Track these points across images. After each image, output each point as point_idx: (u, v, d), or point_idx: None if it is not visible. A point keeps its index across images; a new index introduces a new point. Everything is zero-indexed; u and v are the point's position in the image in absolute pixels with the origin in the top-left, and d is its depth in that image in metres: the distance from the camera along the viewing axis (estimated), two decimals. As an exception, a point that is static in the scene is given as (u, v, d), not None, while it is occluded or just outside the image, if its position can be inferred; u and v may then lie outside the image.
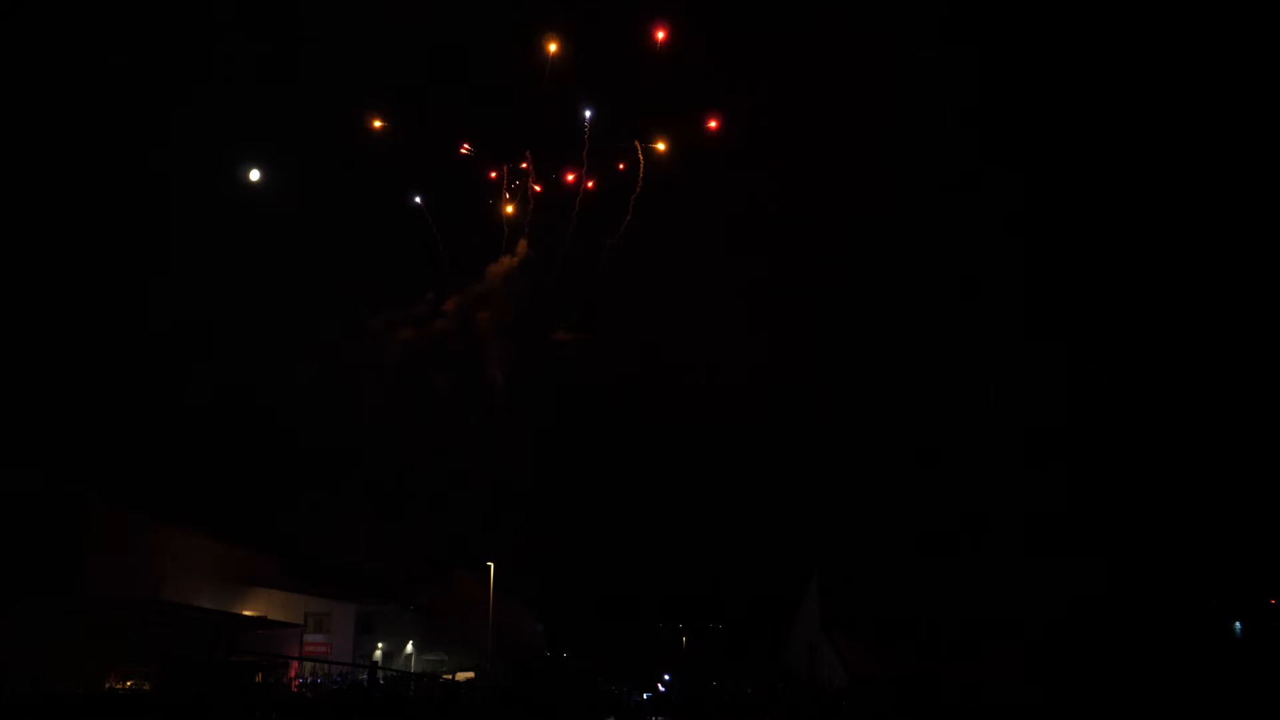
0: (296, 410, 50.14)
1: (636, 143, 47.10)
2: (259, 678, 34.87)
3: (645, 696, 43.66)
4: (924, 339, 57.77)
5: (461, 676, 43.15)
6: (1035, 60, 52.29)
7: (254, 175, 46.79)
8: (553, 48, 43.38)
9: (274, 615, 43.51)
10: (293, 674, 38.29)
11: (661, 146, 46.36)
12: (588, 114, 45.63)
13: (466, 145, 46.54)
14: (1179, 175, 50.95)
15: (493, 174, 48.44)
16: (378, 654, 49.11)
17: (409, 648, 52.73)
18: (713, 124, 45.66)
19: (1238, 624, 43.65)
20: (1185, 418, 50.08)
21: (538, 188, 49.23)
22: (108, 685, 31.18)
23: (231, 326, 49.91)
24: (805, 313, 58.31)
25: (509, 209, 50.02)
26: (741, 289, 56.86)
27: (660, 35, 42.82)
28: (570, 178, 48.37)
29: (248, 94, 47.31)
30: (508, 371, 53.72)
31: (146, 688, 31.04)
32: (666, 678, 52.85)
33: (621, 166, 47.89)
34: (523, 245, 52.14)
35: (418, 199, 49.13)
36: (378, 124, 44.88)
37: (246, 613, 42.91)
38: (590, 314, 54.77)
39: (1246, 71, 47.25)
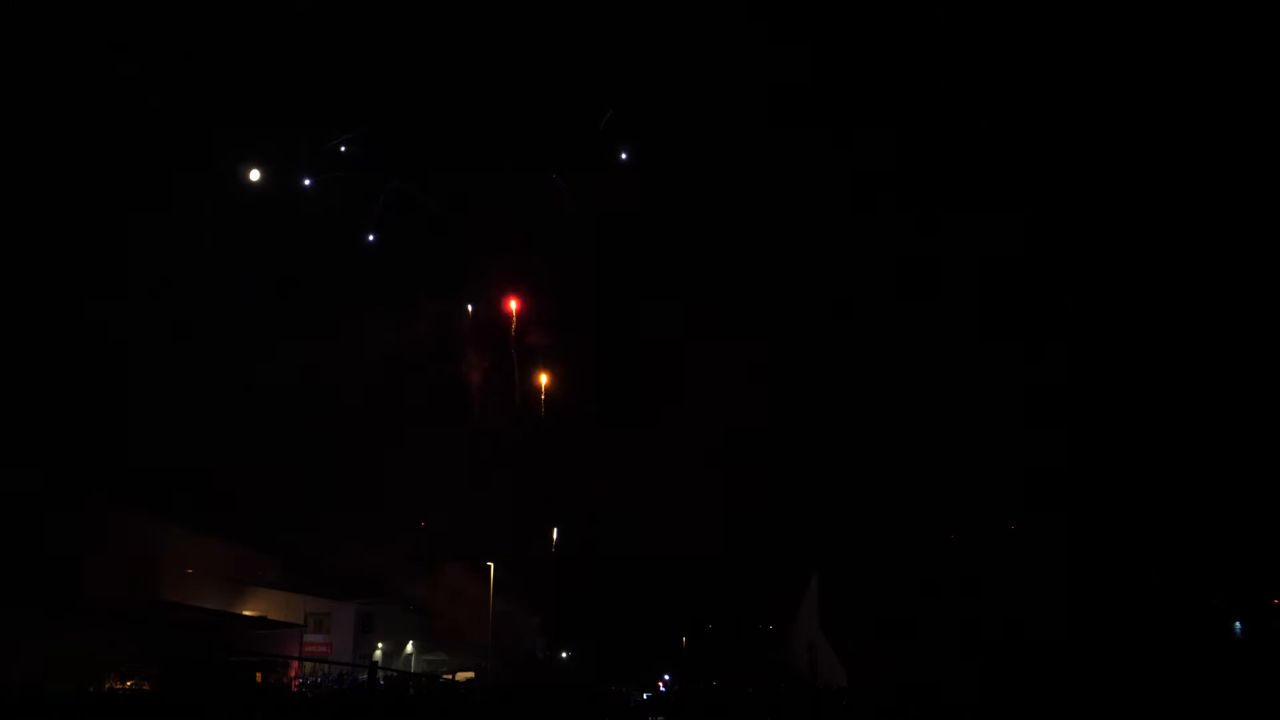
0: (295, 410, 50.13)
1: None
2: (259, 678, 34.86)
3: (645, 696, 43.68)
4: (923, 339, 57.78)
5: (461, 676, 43.15)
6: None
7: (254, 175, 46.80)
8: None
9: (274, 615, 43.54)
10: (293, 674, 38.29)
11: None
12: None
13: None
14: (1179, 175, 50.98)
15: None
16: (378, 654, 49.10)
17: (409, 648, 52.75)
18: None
19: (1238, 624, 43.70)
20: (1185, 419, 50.10)
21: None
22: (108, 685, 31.18)
23: (231, 326, 49.88)
24: (804, 313, 58.34)
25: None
26: (742, 289, 56.93)
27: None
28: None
29: (254, 95, 47.27)
30: (504, 375, 53.69)
31: (146, 688, 31.04)
32: (666, 678, 52.91)
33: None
34: None
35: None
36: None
37: (246, 613, 42.95)
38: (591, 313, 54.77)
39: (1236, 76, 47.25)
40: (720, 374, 56.16)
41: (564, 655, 65.79)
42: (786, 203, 55.37)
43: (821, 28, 49.65)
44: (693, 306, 55.31)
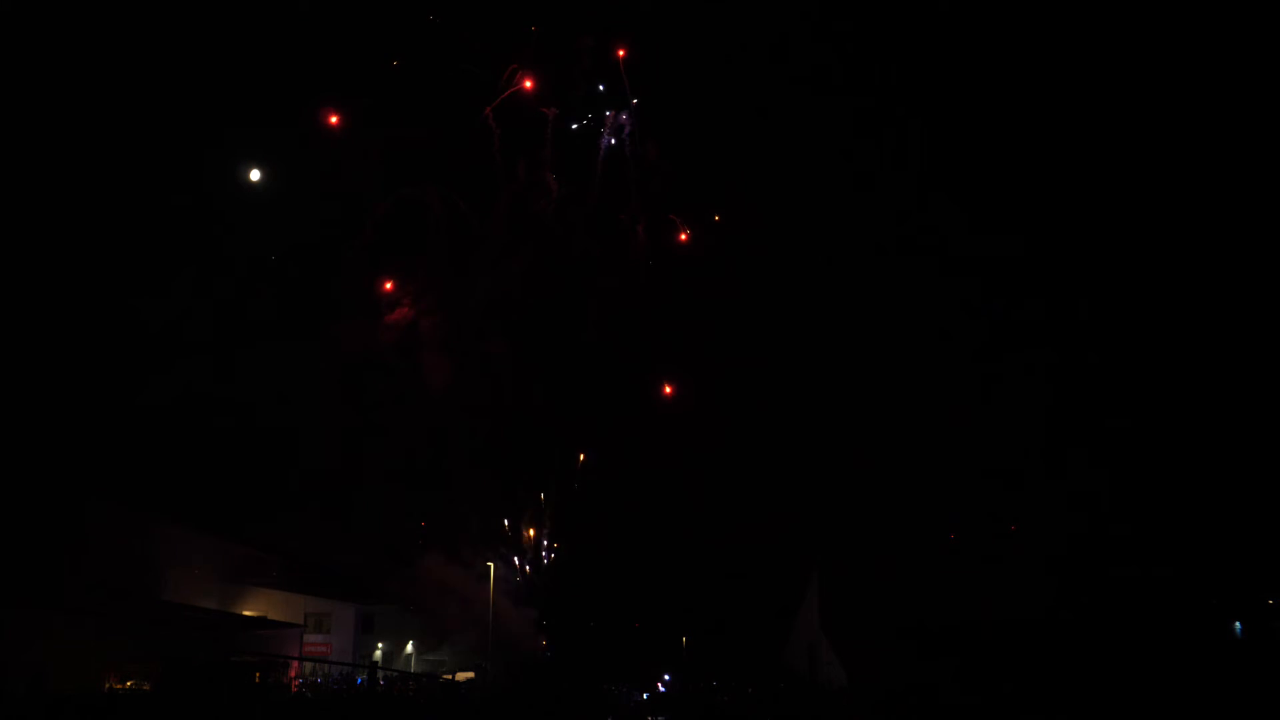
0: (295, 410, 50.12)
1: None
2: (257, 677, 34.84)
3: (645, 696, 43.71)
4: (923, 339, 57.78)
5: (461, 676, 43.13)
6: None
7: (254, 175, 46.80)
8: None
9: (274, 615, 43.49)
10: (293, 674, 38.26)
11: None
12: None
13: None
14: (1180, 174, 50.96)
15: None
16: (378, 654, 49.10)
17: (409, 648, 52.72)
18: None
19: (1238, 624, 43.73)
20: (1185, 419, 50.10)
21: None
22: (108, 685, 31.15)
23: (231, 326, 49.87)
24: (802, 312, 58.30)
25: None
26: (741, 289, 56.86)
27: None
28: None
29: (230, 87, 47.14)
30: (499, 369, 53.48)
31: (146, 688, 31.02)
32: (666, 678, 52.90)
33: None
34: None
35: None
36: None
37: (246, 613, 42.90)
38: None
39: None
40: (719, 373, 56.22)
41: (564, 655, 65.72)
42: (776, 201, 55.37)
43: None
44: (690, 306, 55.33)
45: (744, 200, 53.73)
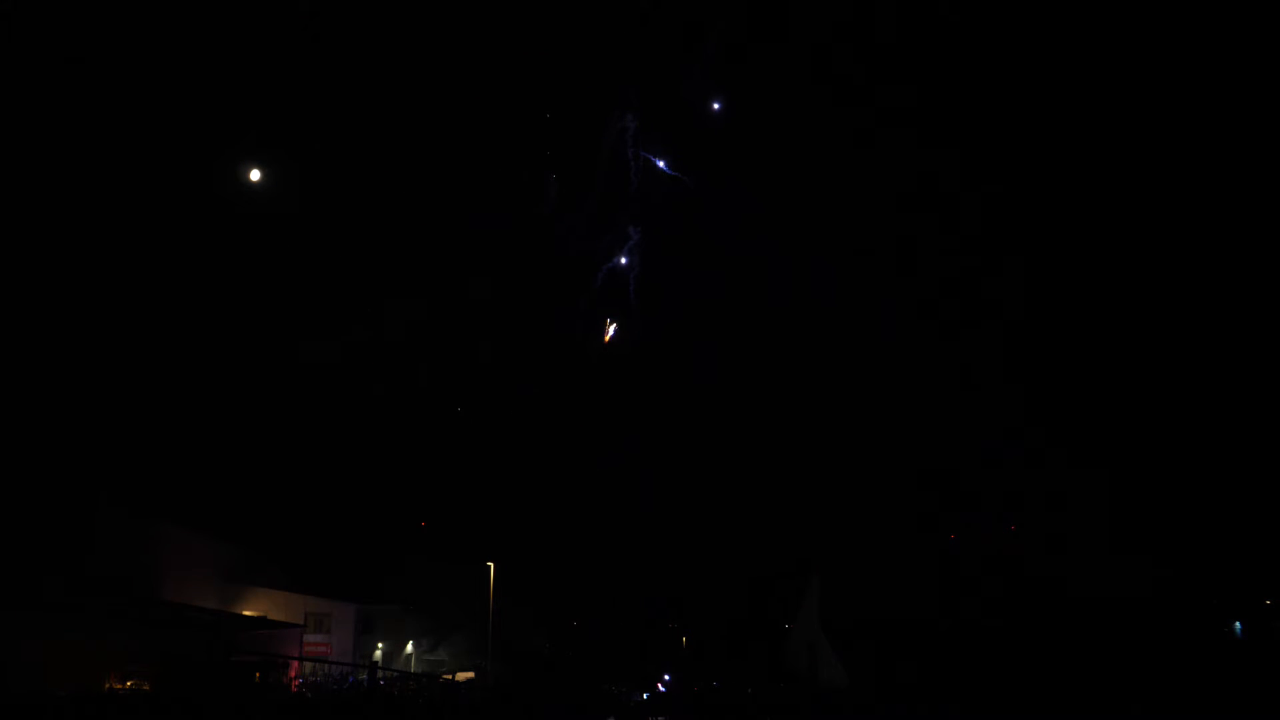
0: (296, 409, 50.18)
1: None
2: (257, 677, 34.87)
3: (645, 696, 43.72)
4: (921, 339, 57.77)
5: (461, 677, 43.17)
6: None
7: (254, 175, 46.81)
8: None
9: (274, 615, 43.50)
10: (293, 674, 38.29)
11: None
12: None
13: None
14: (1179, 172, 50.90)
15: None
16: (378, 654, 49.14)
17: (409, 648, 52.76)
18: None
19: (1238, 624, 43.73)
20: (1184, 418, 50.09)
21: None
22: (108, 685, 31.17)
23: (231, 325, 49.91)
24: (803, 311, 58.31)
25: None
26: (743, 290, 56.91)
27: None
28: None
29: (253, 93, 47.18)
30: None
31: (146, 688, 31.03)
32: (666, 678, 52.93)
33: None
34: None
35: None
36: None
37: (246, 613, 42.91)
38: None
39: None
40: (720, 373, 56.24)
41: (564, 655, 65.79)
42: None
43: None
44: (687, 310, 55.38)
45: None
